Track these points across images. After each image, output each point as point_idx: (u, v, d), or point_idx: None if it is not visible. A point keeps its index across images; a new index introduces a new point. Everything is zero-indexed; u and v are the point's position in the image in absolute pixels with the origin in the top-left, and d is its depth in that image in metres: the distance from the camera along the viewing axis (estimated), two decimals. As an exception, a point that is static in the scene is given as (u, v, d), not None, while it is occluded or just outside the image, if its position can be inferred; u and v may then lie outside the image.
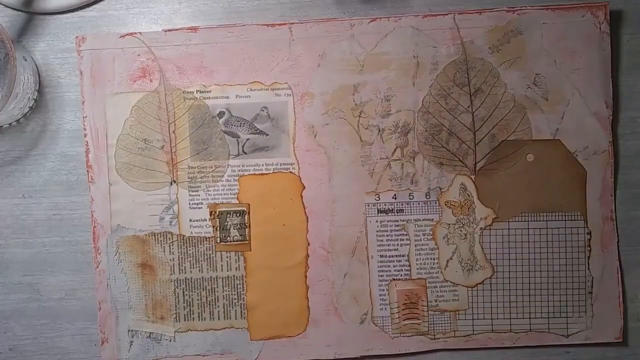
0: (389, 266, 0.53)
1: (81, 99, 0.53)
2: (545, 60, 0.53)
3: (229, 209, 0.53)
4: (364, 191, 0.53)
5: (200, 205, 0.53)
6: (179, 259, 0.53)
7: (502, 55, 0.53)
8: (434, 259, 0.53)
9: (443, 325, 0.53)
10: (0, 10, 0.54)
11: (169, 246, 0.53)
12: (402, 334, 0.53)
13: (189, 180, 0.53)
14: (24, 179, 0.54)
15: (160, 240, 0.53)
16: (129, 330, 0.53)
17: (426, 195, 0.53)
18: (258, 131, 0.53)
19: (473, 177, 0.53)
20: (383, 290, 0.53)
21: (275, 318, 0.53)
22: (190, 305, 0.53)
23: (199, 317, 0.53)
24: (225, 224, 0.53)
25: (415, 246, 0.53)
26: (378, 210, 0.53)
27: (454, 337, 0.53)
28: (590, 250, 0.53)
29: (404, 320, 0.53)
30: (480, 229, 0.53)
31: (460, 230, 0.53)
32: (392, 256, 0.53)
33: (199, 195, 0.53)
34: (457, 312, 0.53)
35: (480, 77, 0.53)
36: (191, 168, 0.53)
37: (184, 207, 0.53)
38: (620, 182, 0.54)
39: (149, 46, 0.53)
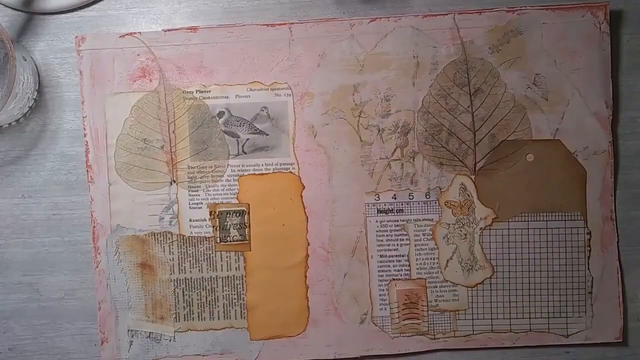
0: (389, 266, 0.53)
1: (81, 98, 0.53)
2: (545, 60, 0.53)
3: (229, 209, 0.53)
4: (364, 191, 0.53)
5: (200, 205, 0.53)
6: (178, 259, 0.53)
7: (502, 55, 0.53)
8: (433, 259, 0.53)
9: (443, 325, 0.53)
10: (0, 10, 0.54)
11: (169, 246, 0.53)
12: (402, 334, 0.53)
13: (189, 180, 0.53)
14: (23, 178, 0.54)
15: (160, 240, 0.53)
16: (128, 330, 0.53)
17: (426, 195, 0.53)
18: (258, 131, 0.53)
19: (473, 177, 0.53)
20: (383, 290, 0.53)
21: (275, 318, 0.53)
22: (190, 305, 0.53)
23: (198, 317, 0.53)
24: (225, 224, 0.53)
25: (415, 246, 0.53)
26: (378, 210, 0.53)
27: (454, 337, 0.53)
28: (590, 250, 0.53)
29: (403, 320, 0.53)
30: (480, 229, 0.53)
31: (460, 230, 0.53)
32: (392, 256, 0.53)
33: (198, 195, 0.53)
34: (457, 312, 0.53)
35: (480, 77, 0.53)
36: (191, 168, 0.53)
37: (184, 207, 0.53)
38: (620, 182, 0.54)
39: (148, 46, 0.53)
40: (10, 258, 0.54)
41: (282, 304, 0.53)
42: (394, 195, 0.53)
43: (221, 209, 0.53)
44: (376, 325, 0.53)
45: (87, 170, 0.53)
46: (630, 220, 0.54)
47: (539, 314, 0.53)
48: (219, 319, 0.53)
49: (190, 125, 0.53)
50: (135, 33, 0.53)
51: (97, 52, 0.53)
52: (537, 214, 0.53)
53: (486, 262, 0.53)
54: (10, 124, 0.54)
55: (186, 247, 0.53)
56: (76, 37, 0.53)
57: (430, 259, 0.53)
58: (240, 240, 0.53)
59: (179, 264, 0.53)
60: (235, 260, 0.53)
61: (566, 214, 0.53)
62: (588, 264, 0.53)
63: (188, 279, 0.53)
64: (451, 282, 0.53)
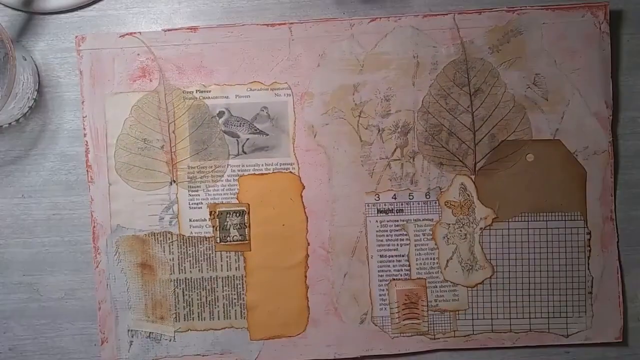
0: (389, 266, 0.53)
1: (81, 98, 0.53)
2: (545, 60, 0.53)
3: (229, 209, 0.53)
4: (364, 191, 0.53)
5: (200, 205, 0.53)
6: (178, 259, 0.53)
7: (502, 55, 0.53)
8: (433, 259, 0.53)
9: (443, 325, 0.53)
10: (0, 10, 0.54)
11: (169, 246, 0.53)
12: (402, 334, 0.53)
13: (189, 180, 0.53)
14: (23, 178, 0.54)
15: (160, 240, 0.53)
16: (128, 330, 0.53)
17: (426, 195, 0.53)
18: (258, 131, 0.53)
19: (473, 177, 0.53)
20: (383, 290, 0.53)
21: (275, 318, 0.53)
22: (190, 305, 0.53)
23: (198, 317, 0.53)
24: (225, 223, 0.53)
25: (415, 246, 0.53)
26: (378, 210, 0.53)
27: (454, 337, 0.53)
28: (590, 250, 0.53)
29: (403, 320, 0.53)
30: (480, 229, 0.53)
31: (460, 230, 0.53)
32: (392, 256, 0.53)
33: (198, 195, 0.53)
34: (457, 312, 0.53)
35: (480, 77, 0.53)
36: (191, 168, 0.53)
37: (184, 207, 0.53)
38: (620, 182, 0.54)
39: (148, 46, 0.53)
40: (10, 258, 0.54)
41: (282, 304, 0.53)
42: (394, 195, 0.53)
43: (221, 209, 0.53)
44: (376, 325, 0.53)
45: (87, 170, 0.53)
46: (630, 220, 0.54)
47: (539, 314, 0.53)
48: (219, 319, 0.53)
49: (190, 125, 0.53)
50: (135, 33, 0.53)
51: (97, 52, 0.53)
52: (537, 214, 0.53)
53: (486, 262, 0.53)
54: (10, 123, 0.54)
55: (186, 247, 0.53)
56: (76, 37, 0.53)
57: (430, 259, 0.53)
58: (240, 240, 0.53)
59: (179, 264, 0.53)
60: (235, 260, 0.53)
61: (566, 214, 0.53)
62: (588, 264, 0.53)
63: (188, 279, 0.53)
64: (451, 282, 0.53)
